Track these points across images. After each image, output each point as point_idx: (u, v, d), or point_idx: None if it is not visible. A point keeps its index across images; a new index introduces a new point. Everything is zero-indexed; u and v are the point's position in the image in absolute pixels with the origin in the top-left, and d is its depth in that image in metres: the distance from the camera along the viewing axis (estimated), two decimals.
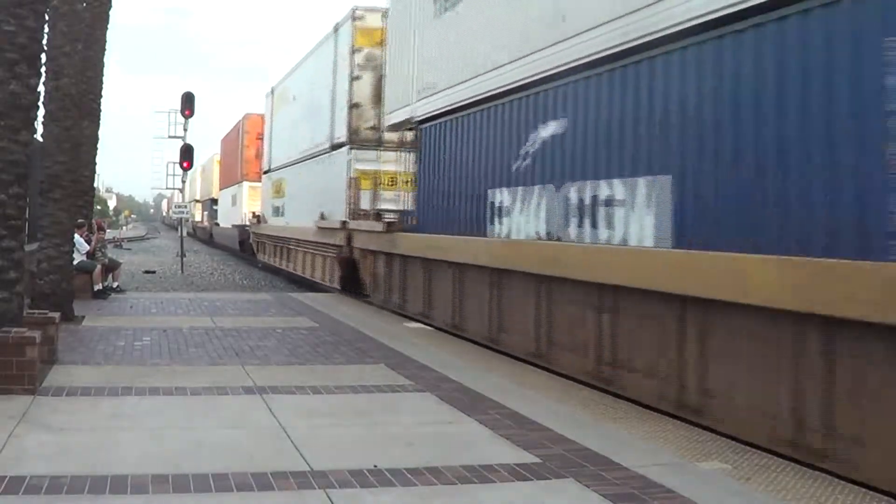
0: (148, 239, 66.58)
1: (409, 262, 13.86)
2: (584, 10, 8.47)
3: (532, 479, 5.09)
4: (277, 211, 26.12)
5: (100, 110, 14.42)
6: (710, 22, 6.65)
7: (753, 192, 6.23)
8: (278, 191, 26.17)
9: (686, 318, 6.98)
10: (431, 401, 7.25)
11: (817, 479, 5.29)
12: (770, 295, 5.82)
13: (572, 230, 8.73)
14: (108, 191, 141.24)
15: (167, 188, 59.45)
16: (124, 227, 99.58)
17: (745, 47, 6.39)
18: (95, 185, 18.73)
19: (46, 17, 8.27)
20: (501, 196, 10.40)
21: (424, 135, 13.52)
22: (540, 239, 9.39)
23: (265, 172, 29.07)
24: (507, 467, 5.28)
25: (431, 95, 12.79)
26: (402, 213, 14.78)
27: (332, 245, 18.19)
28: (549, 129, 9.29)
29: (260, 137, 32.63)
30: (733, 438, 6.23)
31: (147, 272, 26.85)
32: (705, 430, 6.51)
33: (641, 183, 7.57)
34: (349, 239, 16.77)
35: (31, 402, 6.60)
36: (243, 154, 36.51)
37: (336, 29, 19.13)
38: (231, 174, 40.53)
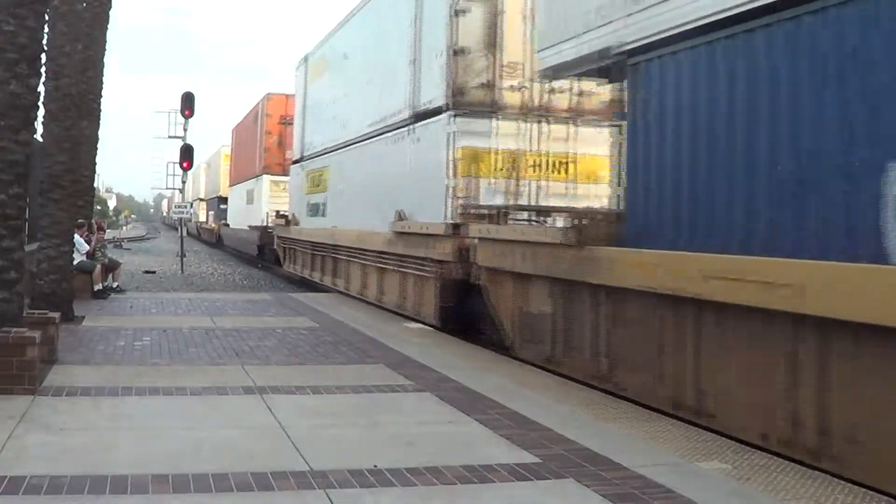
0: (148, 239, 66.57)
1: (639, 303, 7.63)
2: None
3: (532, 479, 5.09)
4: (316, 210, 20.45)
5: (100, 110, 14.40)
6: None
7: None
8: (317, 184, 20.60)
9: None
10: (431, 401, 7.25)
11: (817, 479, 5.28)
12: None
13: None
14: (108, 191, 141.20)
15: (167, 188, 58.20)
16: (124, 228, 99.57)
17: None
18: (95, 185, 18.72)
19: (46, 17, 8.26)
20: None
21: (653, 75, 7.69)
22: None
23: (295, 162, 23.44)
24: (507, 467, 5.28)
25: None
26: (586, 214, 9.21)
27: (423, 260, 12.45)
28: None
29: (285, 121, 28.60)
30: None
31: (147, 272, 26.84)
32: None
33: None
34: (463, 252, 11.22)
35: (32, 402, 6.60)
36: (263, 142, 31.00)
37: None
38: (246, 167, 35.49)
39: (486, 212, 11.23)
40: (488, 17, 11.92)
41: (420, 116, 13.09)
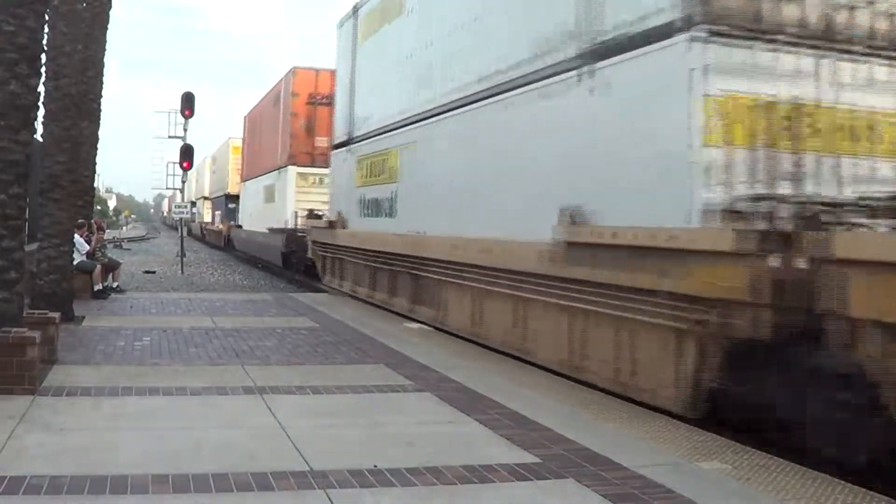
0: (148, 239, 66.56)
1: None
2: None
3: (532, 479, 5.10)
4: (377, 208, 15.19)
5: (100, 110, 14.43)
6: None
7: None
8: (377, 172, 15.32)
9: None
10: (432, 401, 7.25)
11: (817, 479, 5.28)
12: None
13: None
14: (108, 191, 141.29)
15: (167, 188, 57.22)
16: (124, 228, 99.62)
17: None
18: (95, 185, 18.72)
19: (46, 17, 8.26)
20: None
21: None
22: None
23: (339, 146, 18.13)
24: (506, 467, 5.29)
25: None
26: None
27: (647, 294, 7.11)
28: None
29: (314, 101, 24.67)
30: None
31: (147, 272, 26.85)
32: None
33: None
34: (809, 290, 5.70)
35: (32, 403, 6.60)
36: (289, 127, 25.66)
37: None
38: (263, 159, 30.16)
39: (768, 210, 6.23)
40: None
41: (602, 51, 8.07)
